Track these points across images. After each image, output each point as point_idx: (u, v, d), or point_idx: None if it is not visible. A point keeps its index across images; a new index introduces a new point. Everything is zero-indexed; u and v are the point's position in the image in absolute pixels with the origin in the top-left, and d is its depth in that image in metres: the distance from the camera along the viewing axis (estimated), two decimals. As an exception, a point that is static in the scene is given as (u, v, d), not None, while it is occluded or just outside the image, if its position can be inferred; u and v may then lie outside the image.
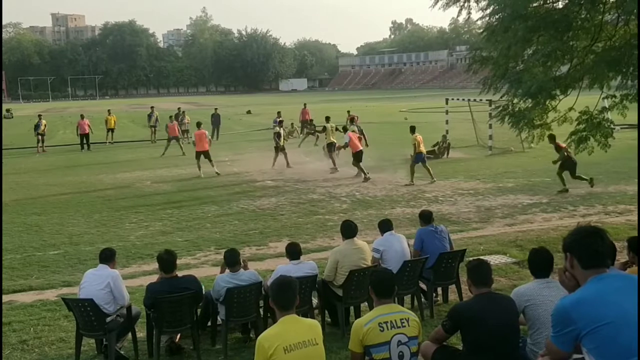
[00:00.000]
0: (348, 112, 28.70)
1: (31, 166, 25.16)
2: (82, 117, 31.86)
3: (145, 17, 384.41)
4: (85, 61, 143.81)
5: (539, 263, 5.18)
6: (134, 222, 14.03)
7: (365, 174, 18.72)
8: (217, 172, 20.69)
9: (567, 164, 15.52)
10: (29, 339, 7.46)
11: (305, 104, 35.70)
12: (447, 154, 23.62)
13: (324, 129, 21.77)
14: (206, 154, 20.74)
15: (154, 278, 7.42)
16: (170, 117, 31.12)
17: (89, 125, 31.45)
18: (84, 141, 31.14)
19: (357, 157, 19.09)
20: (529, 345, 5.01)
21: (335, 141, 20.92)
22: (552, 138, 15.20)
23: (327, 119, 22.14)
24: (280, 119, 25.79)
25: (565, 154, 15.19)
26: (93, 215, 14.93)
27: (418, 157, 17.95)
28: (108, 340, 6.65)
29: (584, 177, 15.84)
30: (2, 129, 29.45)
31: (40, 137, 30.54)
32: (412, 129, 18.80)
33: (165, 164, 24.34)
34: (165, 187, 18.85)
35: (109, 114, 34.19)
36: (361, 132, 21.30)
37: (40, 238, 12.74)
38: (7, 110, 58.52)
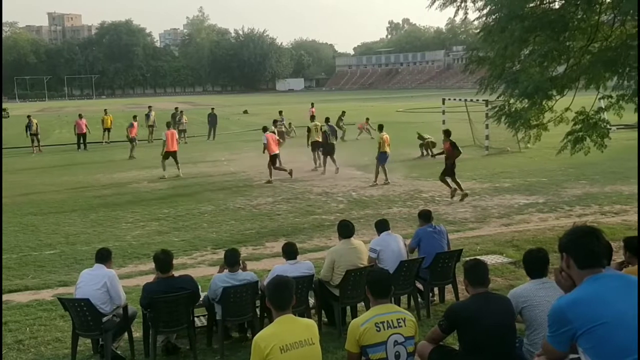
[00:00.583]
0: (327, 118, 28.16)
1: (27, 166, 25.11)
2: (80, 116, 31.88)
3: (142, 17, 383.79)
4: (81, 60, 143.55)
5: (534, 263, 5.19)
6: (130, 222, 14.01)
7: (271, 178, 18.81)
8: (180, 175, 20.41)
9: (448, 167, 15.22)
10: (25, 338, 7.44)
11: (312, 104, 36.05)
12: (430, 153, 23.41)
13: (309, 129, 21.96)
14: (174, 155, 20.56)
15: (151, 278, 7.41)
16: (171, 117, 31.13)
17: (86, 125, 31.46)
18: (81, 141, 31.17)
19: (272, 159, 19.06)
20: (525, 345, 5.01)
21: (320, 140, 21.07)
22: (447, 134, 15.33)
23: (312, 118, 23.13)
24: (281, 118, 26.18)
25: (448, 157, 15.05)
26: (89, 214, 14.90)
27: (382, 157, 17.96)
28: (104, 340, 6.64)
29: (451, 185, 15.34)
30: (2, 129, 29.37)
31: (34, 137, 30.44)
32: (380, 127, 18.99)
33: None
34: (161, 187, 18.83)
35: (106, 113, 34.17)
36: (334, 132, 21.75)
37: (37, 238, 12.71)
38: (4, 110, 58.32)
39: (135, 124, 28.31)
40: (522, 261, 5.44)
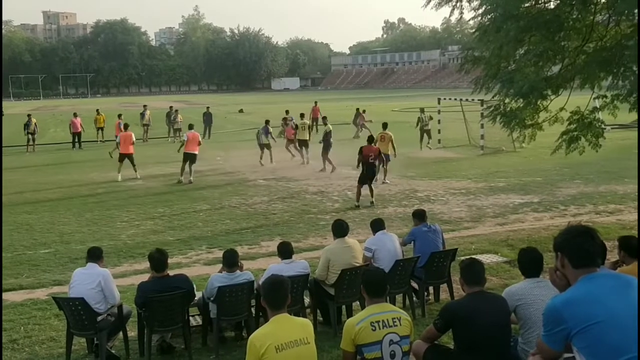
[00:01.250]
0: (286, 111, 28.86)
1: (21, 164, 25.02)
2: (75, 115, 31.90)
3: (137, 16, 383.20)
4: (76, 59, 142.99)
5: (529, 263, 5.21)
6: (125, 221, 13.98)
7: (181, 177, 19.03)
8: (138, 177, 20.05)
9: (367, 169, 15.10)
10: (19, 338, 7.42)
11: (316, 102, 36.31)
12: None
13: (296, 126, 22.87)
14: (130, 157, 20.17)
15: (145, 277, 7.40)
16: (165, 116, 31.11)
17: (81, 124, 31.48)
18: (76, 140, 31.15)
19: (186, 157, 19.08)
20: (520, 344, 5.03)
21: (308, 138, 22.26)
22: (370, 140, 15.36)
23: (302, 115, 24.33)
24: (290, 117, 27.00)
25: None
26: (84, 213, 14.86)
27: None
28: (99, 340, 6.62)
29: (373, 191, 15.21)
30: (2, 127, 29.27)
31: (30, 136, 30.37)
32: (384, 126, 19.25)
33: (157, 162, 24.26)
34: (156, 186, 18.80)
35: (98, 113, 34.15)
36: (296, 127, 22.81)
37: (31, 237, 12.67)
38: (-2, 109, 58.12)
39: (75, 120, 29.41)
40: (517, 260, 5.45)
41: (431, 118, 26.47)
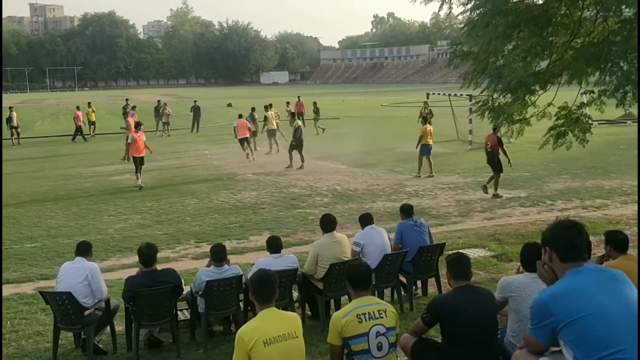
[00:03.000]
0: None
1: (7, 158, 24.77)
2: (77, 108, 32.12)
3: (125, 9, 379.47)
4: (63, 52, 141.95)
5: (531, 258, 5.21)
6: (112, 215, 13.92)
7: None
8: (253, 158, 21.46)
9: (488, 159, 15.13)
10: (6, 332, 7.36)
11: (299, 97, 36.28)
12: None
13: (265, 117, 23.86)
14: (247, 140, 21.81)
15: (133, 271, 7.37)
16: (154, 110, 31.01)
17: (81, 118, 31.61)
18: (78, 133, 31.28)
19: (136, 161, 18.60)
20: (508, 336, 5.06)
21: (275, 128, 23.30)
22: (494, 128, 14.53)
23: (270, 106, 24.96)
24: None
25: None
26: (71, 207, 14.77)
27: (424, 149, 17.89)
28: (86, 334, 6.59)
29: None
30: (2, 124, 29.02)
31: (14, 130, 30.02)
32: (424, 120, 18.98)
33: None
34: (144, 180, 18.68)
35: (89, 106, 33.91)
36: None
37: (18, 231, 12.58)
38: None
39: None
40: (519, 253, 5.47)
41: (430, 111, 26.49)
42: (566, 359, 3.36)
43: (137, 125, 18.45)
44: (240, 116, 23.06)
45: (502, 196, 14.78)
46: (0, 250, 10.52)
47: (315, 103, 32.74)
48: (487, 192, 14.85)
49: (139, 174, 17.32)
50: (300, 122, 20.93)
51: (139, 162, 17.39)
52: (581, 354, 3.21)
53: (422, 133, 17.96)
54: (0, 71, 59.77)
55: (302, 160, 19.86)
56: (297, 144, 19.82)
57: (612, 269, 3.60)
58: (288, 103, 30.88)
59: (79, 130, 31.25)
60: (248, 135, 22.31)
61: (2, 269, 10.03)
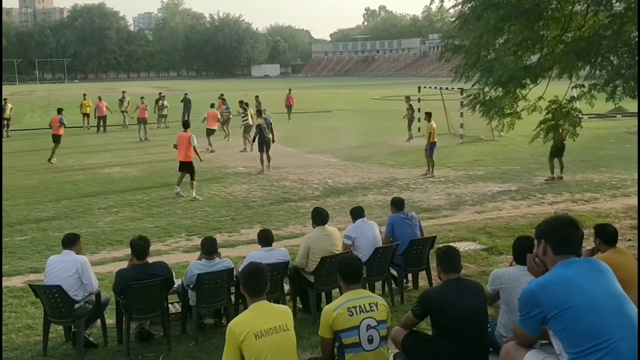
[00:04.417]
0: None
1: (-3, 150, 24.62)
2: (99, 99, 31.93)
3: (115, 0, 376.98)
4: (53, 44, 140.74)
5: (523, 251, 5.25)
6: (103, 208, 13.86)
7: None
8: (195, 197, 14.76)
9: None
10: (-5, 326, 7.33)
11: (290, 90, 36.01)
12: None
13: (245, 112, 23.20)
14: (190, 168, 18.68)
15: (124, 264, 7.35)
16: (155, 102, 31.24)
17: (107, 107, 31.53)
18: (101, 123, 31.34)
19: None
20: (498, 328, 5.10)
21: (252, 124, 21.48)
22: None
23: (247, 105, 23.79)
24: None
25: None
26: (61, 200, 14.70)
27: (432, 147, 17.11)
28: (77, 327, 6.56)
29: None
30: (2, 119, 28.76)
31: (5, 121, 29.85)
32: (429, 116, 17.88)
33: (135, 149, 24.06)
34: (134, 173, 18.63)
35: (84, 98, 33.66)
36: (269, 125, 18.62)
37: (7, 223, 12.48)
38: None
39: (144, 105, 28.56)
40: (512, 246, 5.51)
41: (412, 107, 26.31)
42: (555, 350, 3.38)
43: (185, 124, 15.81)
44: (212, 105, 23.95)
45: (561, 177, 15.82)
46: (0, 247, 10.46)
47: (257, 97, 29.95)
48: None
49: (192, 182, 14.89)
50: (261, 120, 18.41)
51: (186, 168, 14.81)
52: (570, 344, 3.24)
53: (430, 130, 17.00)
54: (0, 66, 59.09)
55: (268, 160, 18.24)
56: (259, 144, 18.21)
57: (595, 260, 3.63)
58: (257, 97, 30.06)
59: (100, 120, 31.30)
60: (216, 128, 23.24)
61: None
